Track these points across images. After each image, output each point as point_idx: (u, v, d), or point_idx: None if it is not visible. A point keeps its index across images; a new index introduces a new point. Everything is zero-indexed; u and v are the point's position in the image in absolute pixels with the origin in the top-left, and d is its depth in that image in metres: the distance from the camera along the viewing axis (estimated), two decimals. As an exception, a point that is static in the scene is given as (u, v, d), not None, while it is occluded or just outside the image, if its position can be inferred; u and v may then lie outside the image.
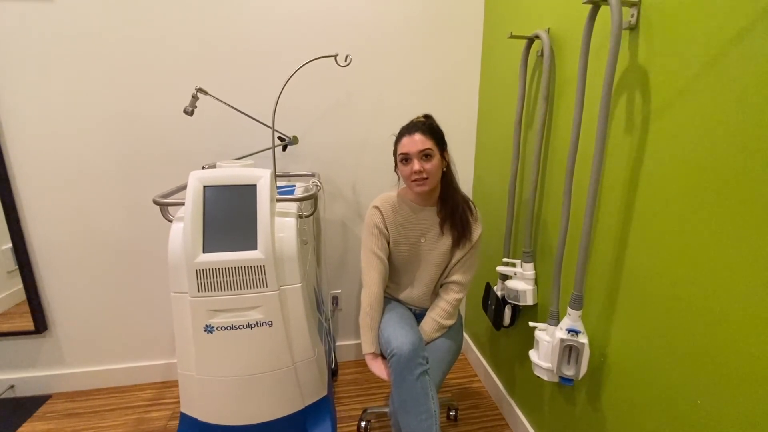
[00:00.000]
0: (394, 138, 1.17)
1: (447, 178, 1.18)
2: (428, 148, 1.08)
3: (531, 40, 1.21)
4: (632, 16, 0.84)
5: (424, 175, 1.09)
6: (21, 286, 1.51)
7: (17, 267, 1.49)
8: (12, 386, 1.61)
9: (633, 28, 0.84)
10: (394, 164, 1.19)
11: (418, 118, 1.17)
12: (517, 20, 1.34)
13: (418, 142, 1.08)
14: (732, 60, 0.65)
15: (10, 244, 1.46)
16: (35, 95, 1.37)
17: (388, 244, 1.21)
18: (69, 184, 1.46)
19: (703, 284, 0.71)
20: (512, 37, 1.20)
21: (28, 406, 1.57)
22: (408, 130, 1.11)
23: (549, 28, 1.15)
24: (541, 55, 1.17)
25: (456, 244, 1.19)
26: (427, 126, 1.11)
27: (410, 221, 1.20)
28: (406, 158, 1.11)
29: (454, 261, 1.21)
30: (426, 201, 1.20)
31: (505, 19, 1.42)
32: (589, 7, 0.87)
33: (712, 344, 0.70)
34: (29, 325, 1.54)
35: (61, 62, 1.36)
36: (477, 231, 1.20)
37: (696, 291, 0.73)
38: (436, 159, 1.11)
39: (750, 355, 0.64)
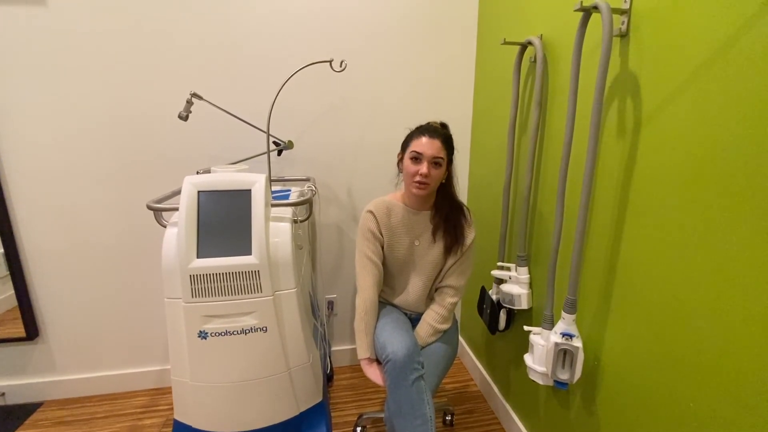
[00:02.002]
0: (390, 141, 1.17)
1: (445, 188, 1.20)
2: (441, 157, 1.10)
3: (524, 47, 1.22)
4: (623, 23, 0.85)
5: (427, 181, 1.10)
6: (12, 292, 1.49)
7: (8, 273, 1.47)
8: (3, 394, 1.59)
9: (623, 35, 0.86)
10: (398, 158, 1.18)
11: (435, 123, 1.18)
12: (511, 27, 1.35)
13: (435, 147, 1.09)
14: (722, 66, 0.66)
15: (2, 250, 1.44)
16: (28, 99, 1.36)
17: (383, 248, 1.21)
18: (61, 188, 1.45)
19: (696, 287, 0.72)
20: (505, 43, 1.22)
21: (19, 413, 1.55)
22: (429, 132, 1.11)
23: (542, 35, 1.16)
24: (534, 61, 1.18)
25: (448, 251, 1.20)
26: (447, 137, 1.13)
27: (404, 225, 1.20)
28: (417, 157, 1.10)
29: (448, 265, 1.22)
30: (421, 205, 1.21)
31: (499, 26, 1.44)
32: (581, 14, 0.88)
33: (705, 348, 0.71)
34: (20, 331, 1.52)
35: (54, 66, 1.35)
36: (470, 237, 1.21)
37: (689, 294, 0.73)
38: (443, 169, 1.13)
39: (744, 357, 0.64)
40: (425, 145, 1.09)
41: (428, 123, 1.17)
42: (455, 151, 1.17)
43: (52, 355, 1.60)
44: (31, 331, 1.53)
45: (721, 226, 0.67)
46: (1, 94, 1.34)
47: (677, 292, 0.75)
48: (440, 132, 1.12)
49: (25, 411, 1.56)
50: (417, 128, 1.15)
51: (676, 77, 0.74)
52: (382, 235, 1.20)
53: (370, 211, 1.20)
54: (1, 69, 1.33)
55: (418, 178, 1.10)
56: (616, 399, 0.93)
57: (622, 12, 0.84)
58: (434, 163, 1.10)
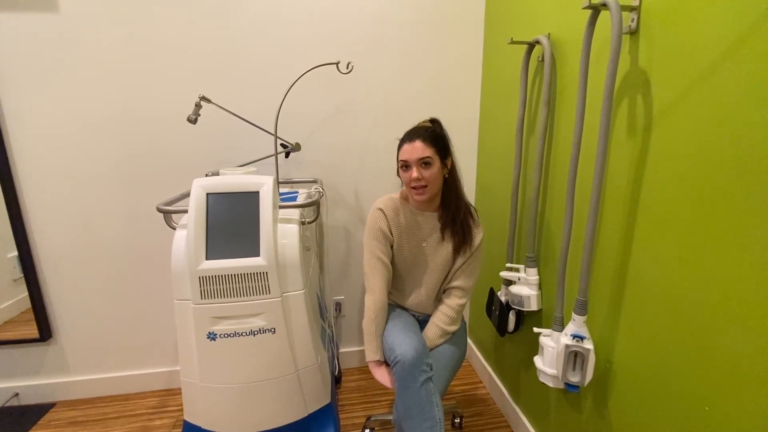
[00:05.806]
0: (395, 143, 1.17)
1: (449, 184, 1.17)
2: (428, 156, 1.08)
3: (532, 46, 1.21)
4: (632, 20, 0.84)
5: (423, 183, 1.09)
6: (26, 293, 1.51)
7: (23, 275, 1.50)
8: (16, 394, 1.62)
9: (633, 33, 0.84)
10: (397, 168, 1.18)
11: (423, 122, 1.16)
12: (518, 26, 1.34)
13: (417, 149, 1.08)
14: (734, 62, 0.65)
15: (16, 252, 1.47)
16: (41, 103, 1.39)
17: (392, 248, 1.20)
18: (74, 192, 1.47)
19: (709, 288, 0.70)
20: (512, 42, 1.21)
21: (32, 414, 1.57)
22: (409, 136, 1.11)
23: (549, 34, 1.15)
24: (542, 60, 1.17)
25: (457, 250, 1.18)
26: (430, 133, 1.10)
27: (412, 225, 1.20)
28: (405, 165, 1.11)
29: (456, 266, 1.20)
30: (427, 206, 1.20)
31: (506, 25, 1.43)
32: (589, 12, 0.87)
33: (720, 350, 0.69)
34: (34, 332, 1.55)
35: (67, 71, 1.38)
36: (478, 237, 1.19)
37: (702, 295, 0.72)
38: (436, 167, 1.10)
39: (759, 360, 0.63)
40: (408, 151, 1.09)
41: (416, 125, 1.15)
42: (452, 146, 1.15)
43: (65, 356, 1.62)
44: (45, 332, 1.55)
45: (734, 227, 0.65)
46: (14, 99, 1.37)
47: (690, 294, 0.74)
48: (422, 131, 1.10)
49: (38, 411, 1.59)
50: (402, 137, 1.14)
51: (687, 75, 0.73)
52: (392, 234, 1.19)
53: (380, 209, 1.18)
54: (14, 74, 1.35)
55: (413, 184, 1.10)
56: (628, 402, 0.91)
57: (632, 9, 0.83)
58: (423, 164, 1.08)
